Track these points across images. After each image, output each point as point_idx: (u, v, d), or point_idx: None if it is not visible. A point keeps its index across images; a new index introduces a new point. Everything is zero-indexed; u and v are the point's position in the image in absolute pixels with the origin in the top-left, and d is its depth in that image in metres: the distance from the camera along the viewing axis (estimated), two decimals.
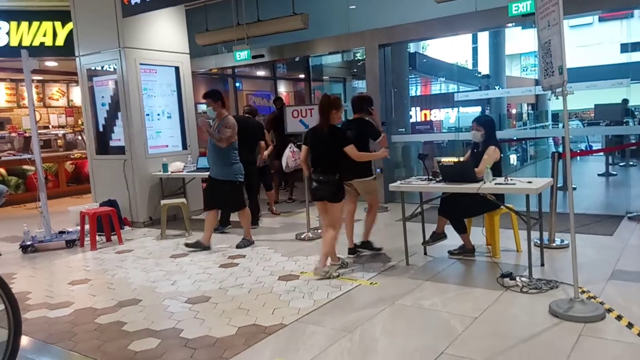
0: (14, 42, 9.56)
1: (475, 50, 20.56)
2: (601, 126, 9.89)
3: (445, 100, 14.57)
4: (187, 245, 6.10)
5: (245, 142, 6.88)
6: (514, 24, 7.71)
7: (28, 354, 3.47)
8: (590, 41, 23.89)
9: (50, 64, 10.96)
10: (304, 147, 4.91)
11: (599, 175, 10.44)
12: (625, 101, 9.13)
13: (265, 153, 7.57)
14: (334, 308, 3.97)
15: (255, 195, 7.11)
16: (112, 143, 7.88)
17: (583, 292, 3.92)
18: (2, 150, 10.87)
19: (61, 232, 6.74)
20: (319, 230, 6.47)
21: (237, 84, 12.58)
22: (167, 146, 7.96)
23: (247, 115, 7.52)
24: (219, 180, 5.98)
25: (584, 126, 13.39)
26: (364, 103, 5.36)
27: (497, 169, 4.81)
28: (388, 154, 4.92)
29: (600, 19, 24.10)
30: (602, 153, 10.21)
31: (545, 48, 3.69)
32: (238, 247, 5.99)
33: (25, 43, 9.55)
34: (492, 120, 5.21)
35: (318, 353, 3.22)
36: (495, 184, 4.50)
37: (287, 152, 7.65)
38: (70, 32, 8.60)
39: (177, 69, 8.07)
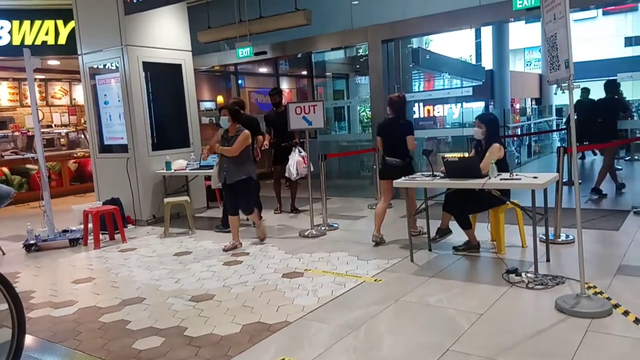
0: (16, 41, 9.56)
1: (478, 45, 20.50)
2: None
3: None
4: None
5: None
6: (514, 19, 7.68)
7: (32, 353, 3.46)
8: (593, 35, 23.77)
9: (53, 62, 10.97)
10: (378, 138, 5.74)
11: None
12: (586, 90, 9.03)
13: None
14: (339, 305, 3.95)
15: (258, 192, 6.99)
16: (112, 142, 7.88)
17: (589, 287, 3.88)
18: (5, 149, 10.88)
19: (65, 231, 6.74)
20: (323, 228, 6.46)
21: (240, 81, 12.56)
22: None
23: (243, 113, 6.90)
24: None
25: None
26: (615, 86, 7.61)
27: (504, 167, 4.77)
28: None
29: (604, 13, 23.96)
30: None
31: (551, 42, 3.65)
32: None
33: (28, 42, 9.55)
34: (496, 119, 5.20)
35: (323, 350, 3.20)
36: (501, 179, 4.46)
37: (296, 157, 7.03)
38: (73, 31, 8.60)
39: (179, 66, 8.05)
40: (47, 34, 9.75)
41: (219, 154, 5.87)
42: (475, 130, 5.02)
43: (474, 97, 15.69)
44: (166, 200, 6.98)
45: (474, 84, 16.52)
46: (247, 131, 5.77)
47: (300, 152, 7.13)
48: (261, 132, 7.13)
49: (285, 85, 13.78)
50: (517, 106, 19.09)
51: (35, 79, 7.23)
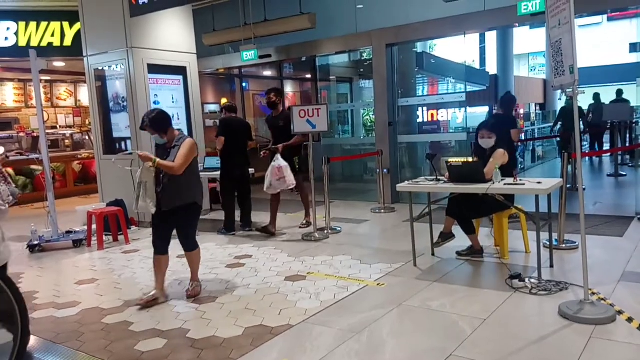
0: (22, 42, 9.61)
1: (483, 50, 20.48)
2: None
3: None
4: None
5: (235, 145, 6.63)
6: (519, 24, 7.68)
7: (35, 354, 3.47)
8: (599, 41, 23.72)
9: (58, 64, 11.01)
10: None
11: (608, 175, 10.37)
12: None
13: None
14: (341, 309, 3.95)
15: (249, 195, 6.93)
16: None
17: (593, 293, 3.87)
18: (10, 150, 10.91)
19: (68, 232, 6.75)
20: (326, 231, 6.46)
21: (244, 84, 12.59)
22: None
23: (233, 115, 6.88)
24: None
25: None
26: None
27: (508, 172, 4.76)
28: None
29: (609, 19, 23.91)
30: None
31: (556, 47, 3.65)
32: None
33: (34, 43, 9.59)
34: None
35: (325, 354, 3.20)
36: (505, 184, 4.46)
37: (271, 165, 6.08)
38: (78, 32, 8.63)
39: (184, 69, 8.07)
40: (53, 35, 9.79)
41: (148, 169, 4.47)
42: (485, 142, 4.94)
43: (478, 101, 15.63)
44: None
45: (476, 89, 16.50)
46: (191, 139, 4.35)
47: (276, 160, 6.05)
48: (252, 137, 6.94)
49: (289, 88, 13.80)
50: (521, 111, 19.05)
51: (40, 80, 7.25)
